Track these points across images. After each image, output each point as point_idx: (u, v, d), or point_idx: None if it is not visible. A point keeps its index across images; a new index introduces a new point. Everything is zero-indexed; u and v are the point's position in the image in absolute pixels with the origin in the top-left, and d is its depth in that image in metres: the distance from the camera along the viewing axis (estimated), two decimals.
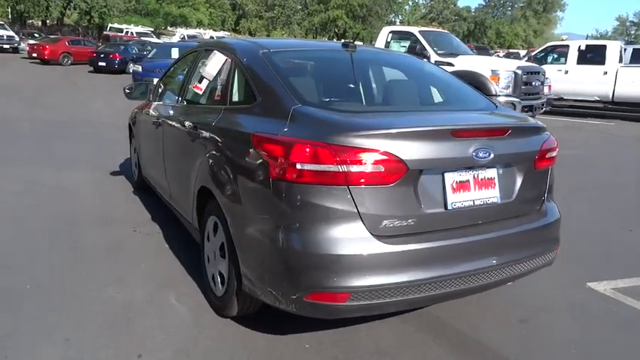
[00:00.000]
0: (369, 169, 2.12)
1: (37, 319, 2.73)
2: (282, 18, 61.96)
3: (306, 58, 3.29)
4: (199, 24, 54.86)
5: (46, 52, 24.96)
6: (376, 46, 11.07)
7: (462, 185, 2.37)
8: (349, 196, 2.14)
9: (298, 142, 2.18)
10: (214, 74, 3.20)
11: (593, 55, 13.43)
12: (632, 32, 72.65)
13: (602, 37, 68.04)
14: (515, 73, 9.53)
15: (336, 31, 61.58)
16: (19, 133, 8.08)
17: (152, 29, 44.13)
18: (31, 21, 47.75)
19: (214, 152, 2.82)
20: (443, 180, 2.32)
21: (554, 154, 2.72)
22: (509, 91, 9.47)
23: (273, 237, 2.24)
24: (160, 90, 4.45)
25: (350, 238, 2.15)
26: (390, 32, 11.90)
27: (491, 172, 2.45)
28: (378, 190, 2.17)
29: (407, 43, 10.90)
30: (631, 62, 13.95)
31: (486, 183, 2.44)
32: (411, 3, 73.63)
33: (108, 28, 41.18)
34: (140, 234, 4.05)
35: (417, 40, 10.76)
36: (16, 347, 2.48)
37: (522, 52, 30.04)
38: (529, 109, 9.47)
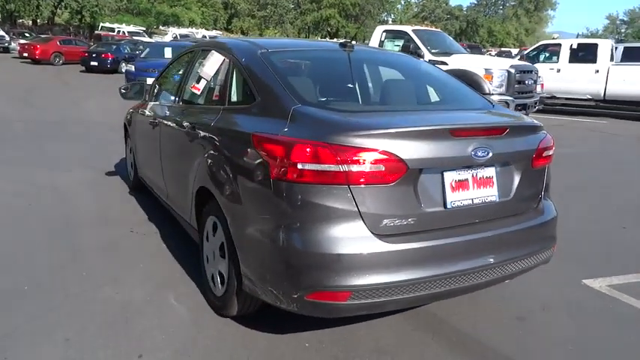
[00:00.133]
0: (370, 168, 2.13)
1: (36, 320, 2.72)
2: (274, 17, 61.91)
3: (305, 58, 3.30)
4: (191, 23, 54.68)
5: (37, 52, 24.80)
6: (370, 45, 11.09)
7: (461, 184, 2.39)
8: (350, 195, 2.15)
9: (299, 142, 2.18)
10: (212, 74, 3.20)
11: (584, 54, 13.54)
12: (623, 30, 73.21)
13: (593, 35, 68.65)
14: (509, 72, 9.59)
15: (329, 30, 61.61)
16: (12, 133, 8.02)
17: (144, 28, 43.90)
18: (21, 20, 47.38)
19: (213, 152, 2.82)
20: (442, 179, 2.34)
21: (550, 152, 2.74)
22: (503, 89, 9.53)
23: (274, 236, 2.25)
24: (155, 90, 4.43)
25: (351, 238, 2.16)
26: (383, 31, 11.93)
27: (490, 171, 2.47)
28: (378, 190, 2.19)
29: (401, 42, 10.93)
30: (622, 60, 14.07)
31: (485, 182, 2.46)
32: (403, 2, 73.81)
33: (99, 27, 40.91)
34: (137, 234, 4.04)
35: (411, 39, 10.80)
36: (16, 348, 2.47)
37: (514, 51, 30.19)
38: (522, 107, 9.54)
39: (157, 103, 4.23)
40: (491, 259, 2.42)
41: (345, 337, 2.67)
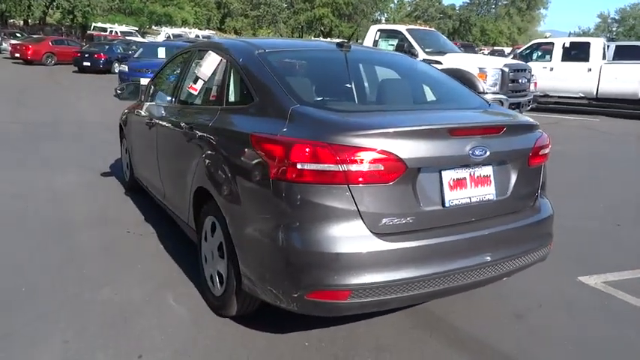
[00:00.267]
0: (369, 167, 2.15)
1: (34, 321, 2.71)
2: (268, 16, 61.79)
3: (302, 58, 3.31)
4: (184, 23, 54.48)
5: (29, 52, 24.64)
6: (364, 44, 11.10)
7: (459, 183, 2.40)
8: (349, 194, 2.16)
9: (298, 142, 2.19)
10: (209, 75, 3.20)
11: (577, 52, 13.62)
12: (614, 29, 73.73)
13: (585, 34, 69.03)
14: (503, 71, 9.64)
15: (322, 29, 61.59)
16: (6, 134, 7.96)
17: (136, 28, 43.70)
18: (12, 20, 47.01)
19: (211, 153, 2.82)
20: (440, 178, 2.36)
21: (546, 151, 2.77)
22: (497, 88, 9.58)
23: (273, 236, 2.26)
24: (151, 90, 4.42)
25: (350, 237, 2.17)
26: (378, 30, 11.95)
27: (487, 170, 2.49)
28: (377, 189, 2.20)
29: (395, 42, 10.97)
30: (614, 59, 14.18)
31: (482, 180, 2.48)
32: (396, 1, 73.92)
33: (92, 27, 40.66)
34: (134, 235, 4.03)
35: (405, 39, 10.83)
36: (15, 350, 2.47)
37: (507, 50, 30.34)
38: (516, 106, 9.59)
39: (153, 103, 4.22)
40: (489, 257, 2.44)
41: (344, 335, 2.68)
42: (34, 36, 29.96)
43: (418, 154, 2.24)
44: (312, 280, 2.19)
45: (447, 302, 3.01)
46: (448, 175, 2.37)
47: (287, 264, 2.24)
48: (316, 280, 2.18)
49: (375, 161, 2.15)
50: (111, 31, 37.53)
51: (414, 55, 10.12)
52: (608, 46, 14.47)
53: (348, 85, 3.00)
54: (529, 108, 10.53)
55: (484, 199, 2.49)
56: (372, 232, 2.20)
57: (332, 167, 2.14)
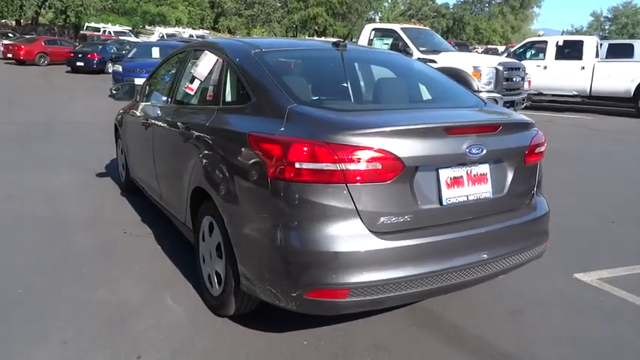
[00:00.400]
0: (367, 166, 2.15)
1: (31, 323, 2.70)
2: (261, 16, 61.65)
3: (298, 58, 3.32)
4: (178, 22, 54.28)
5: (21, 53, 24.50)
6: (359, 43, 11.11)
7: (456, 181, 2.42)
8: (347, 193, 2.17)
9: (296, 142, 2.20)
10: (206, 75, 3.20)
11: (570, 51, 13.69)
12: (607, 27, 74.13)
13: (578, 32, 69.32)
14: (497, 70, 9.68)
15: (316, 28, 61.56)
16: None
17: (130, 28, 43.51)
18: (4, 20, 46.64)
19: (209, 153, 2.82)
20: (437, 176, 2.37)
21: (542, 149, 2.79)
22: (491, 87, 9.62)
23: (272, 235, 2.26)
24: (147, 91, 4.41)
25: (349, 235, 2.18)
26: (372, 30, 11.98)
27: (484, 168, 2.51)
28: (375, 188, 2.21)
29: (390, 41, 10.99)
30: (607, 57, 14.27)
31: (479, 178, 2.49)
32: (390, 0, 73.99)
33: (84, 27, 40.43)
34: (131, 235, 4.02)
35: (400, 38, 10.85)
36: (12, 351, 2.46)
37: (501, 48, 30.41)
38: (510, 104, 9.63)
39: (149, 103, 4.21)
40: (486, 255, 2.46)
41: (342, 334, 2.69)
42: (27, 36, 29.75)
43: (415, 153, 2.25)
44: (310, 279, 2.19)
45: (445, 300, 3.02)
46: (445, 174, 2.38)
47: (286, 263, 2.24)
48: (315, 279, 2.19)
49: (372, 160, 2.16)
50: (104, 31, 37.34)
51: (409, 54, 10.14)
52: (601, 45, 14.56)
53: (344, 84, 3.00)
54: (523, 106, 10.58)
55: (481, 197, 2.50)
56: (370, 230, 2.20)
57: (330, 166, 2.14)
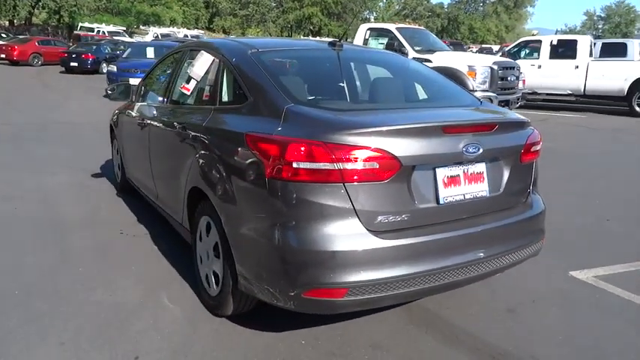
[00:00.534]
0: (364, 166, 2.16)
1: (29, 324, 2.70)
2: (256, 16, 61.58)
3: (295, 58, 3.32)
4: (172, 22, 54.13)
5: (15, 53, 24.41)
6: (354, 43, 11.13)
7: (453, 180, 2.43)
8: (345, 193, 2.17)
9: (294, 141, 2.20)
10: (202, 75, 3.20)
11: (564, 50, 13.75)
12: (600, 26, 74.49)
13: (571, 31, 69.74)
14: (492, 69, 9.72)
15: (311, 28, 61.53)
16: None
17: (124, 28, 43.35)
18: None
19: (206, 153, 2.82)
20: (434, 175, 2.38)
21: (538, 147, 2.81)
22: (486, 86, 9.65)
23: (269, 235, 2.27)
24: (142, 91, 4.40)
25: (346, 235, 2.19)
26: (367, 29, 11.98)
27: (480, 167, 2.52)
28: (372, 187, 2.22)
29: (385, 40, 11.01)
30: (601, 56, 14.33)
31: (476, 177, 2.51)
32: (384, 0, 74.02)
33: (78, 27, 40.22)
34: (127, 236, 4.02)
35: (395, 37, 10.87)
36: (11, 352, 2.45)
37: (495, 48, 30.52)
38: (505, 103, 9.66)
39: (145, 103, 4.20)
40: (483, 253, 2.47)
41: (340, 333, 2.70)
42: (20, 36, 29.62)
43: (412, 152, 2.26)
44: (308, 278, 2.20)
45: (442, 298, 3.04)
46: (442, 173, 2.40)
47: (283, 262, 2.24)
48: (313, 278, 2.19)
49: (370, 159, 2.17)
50: (98, 31, 37.16)
51: (404, 53, 10.17)
52: (594, 44, 14.62)
53: (341, 83, 3.01)
54: (518, 105, 10.62)
55: (477, 196, 2.51)
56: (367, 229, 2.21)
57: (327, 166, 2.15)
